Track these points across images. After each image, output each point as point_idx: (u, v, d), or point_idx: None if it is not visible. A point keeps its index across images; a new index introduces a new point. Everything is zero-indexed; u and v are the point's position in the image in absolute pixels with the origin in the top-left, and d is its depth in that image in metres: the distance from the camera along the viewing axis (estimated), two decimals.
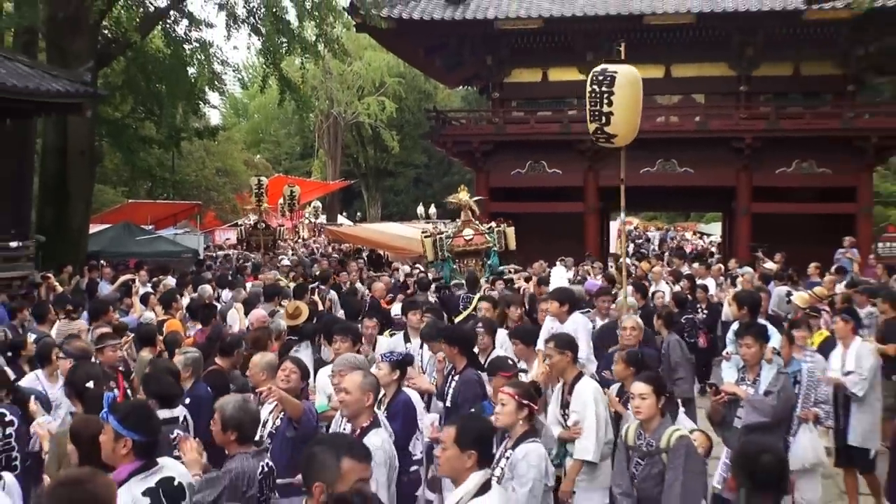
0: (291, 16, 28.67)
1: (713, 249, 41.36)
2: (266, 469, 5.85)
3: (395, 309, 14.70)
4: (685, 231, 59.57)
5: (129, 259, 28.47)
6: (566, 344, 7.15)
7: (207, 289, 18.30)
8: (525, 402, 6.45)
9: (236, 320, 14.49)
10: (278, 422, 7.54)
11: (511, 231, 20.37)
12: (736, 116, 32.49)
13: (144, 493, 5.00)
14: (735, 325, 10.51)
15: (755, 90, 33.24)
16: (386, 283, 19.22)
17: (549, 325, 11.38)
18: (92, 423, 5.82)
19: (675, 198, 39.67)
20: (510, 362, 8.51)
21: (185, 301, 16.81)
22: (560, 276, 18.98)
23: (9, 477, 5.79)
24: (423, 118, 44.10)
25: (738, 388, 7.82)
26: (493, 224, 19.72)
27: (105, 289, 20.56)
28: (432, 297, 16.66)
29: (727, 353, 9.06)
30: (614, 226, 37.55)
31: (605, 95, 9.34)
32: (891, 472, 7.15)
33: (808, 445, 7.79)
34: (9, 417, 7.22)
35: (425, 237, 21.97)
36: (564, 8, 30.76)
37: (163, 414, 6.57)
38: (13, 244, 23.01)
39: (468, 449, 4.52)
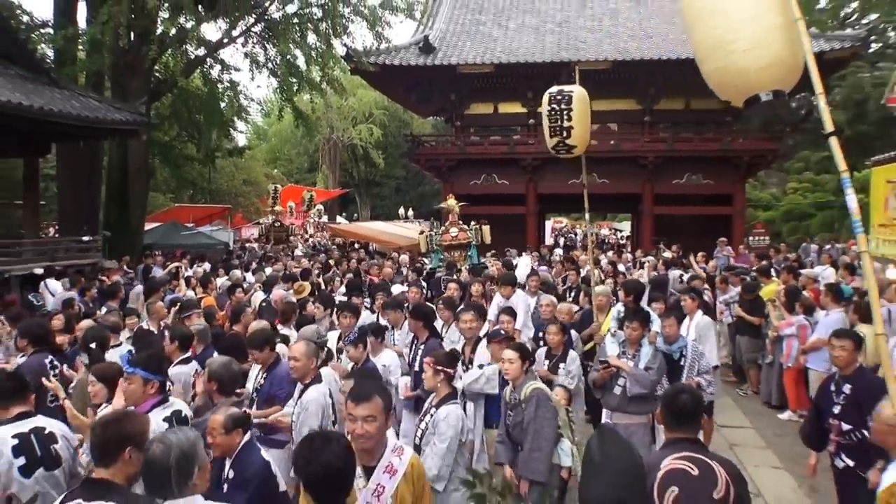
0: (301, 62, 28.69)
1: (624, 242, 41.44)
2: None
3: (395, 289, 14.69)
4: (603, 227, 59.74)
5: (175, 249, 28.70)
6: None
7: (237, 273, 18.41)
8: (440, 368, 6.50)
9: (259, 298, 14.36)
10: (261, 380, 7.53)
11: (486, 229, 20.50)
12: (641, 140, 32.69)
13: (164, 420, 5.45)
14: (621, 308, 10.34)
15: (656, 120, 33.42)
16: (392, 267, 19.39)
17: (498, 301, 11.41)
18: (112, 366, 6.40)
19: (595, 202, 38.56)
20: (502, 332, 8.36)
21: (220, 281, 17.06)
22: (525, 263, 19.23)
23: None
24: (403, 141, 43.95)
25: (621, 362, 7.74)
26: (473, 223, 19.81)
27: (157, 272, 20.67)
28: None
29: (612, 329, 8.86)
30: (549, 224, 38.03)
31: (565, 112, 9.24)
32: (809, 418, 7.01)
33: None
34: (55, 362, 7.60)
35: (420, 234, 22.34)
36: (510, 56, 31.02)
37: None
38: (85, 238, 23.03)
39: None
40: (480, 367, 7.65)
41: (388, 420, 4.26)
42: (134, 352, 8.09)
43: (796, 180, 44.57)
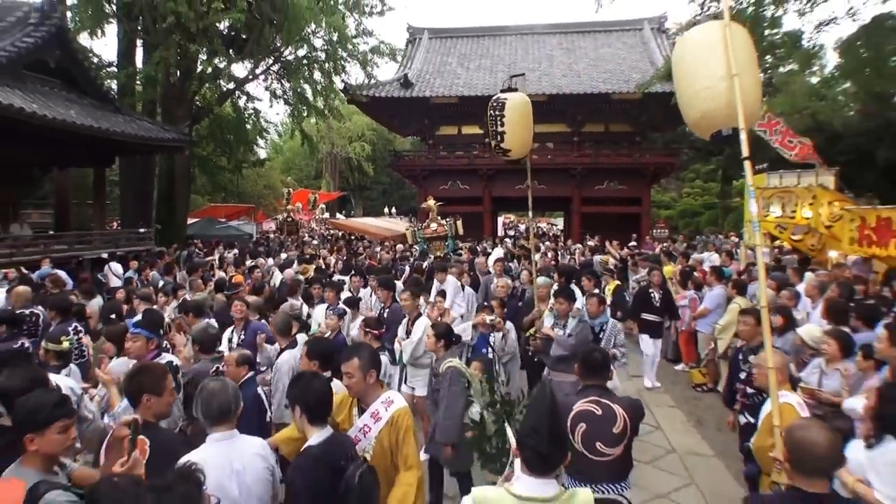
0: (309, 94, 28.72)
1: (559, 234, 41.47)
2: (217, 370, 5.83)
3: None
4: (542, 222, 59.67)
5: (211, 239, 28.79)
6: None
7: (260, 259, 18.49)
8: (367, 329, 7.03)
9: (277, 276, 14.47)
10: (241, 337, 7.64)
11: (460, 223, 20.76)
12: (571, 155, 32.81)
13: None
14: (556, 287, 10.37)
15: (582, 140, 33.51)
16: (387, 254, 19.64)
17: (436, 285, 11.23)
18: (119, 328, 6.60)
19: (536, 203, 38.75)
20: (486, 304, 8.74)
21: (249, 263, 17.13)
22: (497, 253, 19.42)
23: (73, 366, 6.21)
24: (387, 155, 44.01)
25: (552, 332, 7.76)
26: (449, 218, 19.94)
27: (197, 257, 20.87)
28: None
29: (551, 305, 8.84)
30: (500, 220, 38.22)
31: (499, 118, 8.47)
32: (727, 381, 6.88)
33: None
34: (79, 328, 7.63)
35: (407, 229, 23.25)
36: (471, 90, 31.25)
37: None
38: (141, 230, 23.15)
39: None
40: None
41: (367, 375, 4.16)
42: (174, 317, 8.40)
43: (689, 186, 45.16)
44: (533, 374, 8.83)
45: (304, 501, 3.48)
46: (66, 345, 5.97)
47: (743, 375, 6.29)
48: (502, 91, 8.85)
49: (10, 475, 3.12)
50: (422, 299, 9.97)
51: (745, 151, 4.27)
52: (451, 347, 6.46)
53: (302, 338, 7.12)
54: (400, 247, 22.03)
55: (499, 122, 8.53)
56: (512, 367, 8.52)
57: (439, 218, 19.27)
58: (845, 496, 3.43)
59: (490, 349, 7.74)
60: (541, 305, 8.77)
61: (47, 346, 6.01)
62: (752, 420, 5.86)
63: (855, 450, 3.80)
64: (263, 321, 8.32)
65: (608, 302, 10.68)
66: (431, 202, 19.76)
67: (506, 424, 4.13)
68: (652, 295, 11.58)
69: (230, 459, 3.67)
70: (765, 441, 4.41)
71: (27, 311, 8.26)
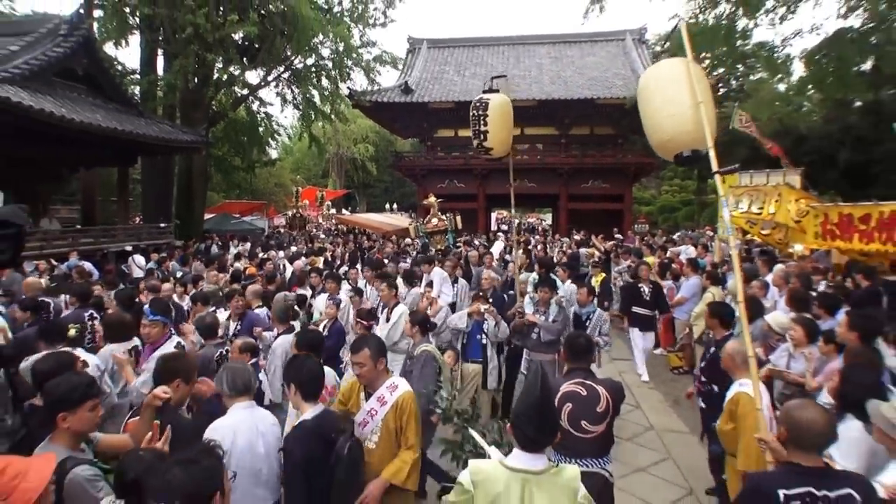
0: (317, 99, 28.80)
1: (548, 228, 41.47)
2: (220, 354, 6.01)
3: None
4: (532, 217, 59.78)
5: (226, 233, 28.60)
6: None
7: (272, 252, 18.52)
8: (358, 319, 6.94)
9: (288, 268, 14.51)
10: (238, 328, 7.61)
11: (459, 218, 20.87)
12: (559, 156, 32.94)
13: (174, 347, 5.64)
14: (536, 276, 10.43)
15: (570, 142, 33.62)
16: (392, 247, 20.13)
17: (424, 275, 11.15)
18: (121, 316, 6.49)
19: (526, 200, 39.68)
20: (479, 294, 8.79)
21: (261, 256, 17.15)
22: (498, 246, 19.42)
23: (81, 350, 5.84)
24: (389, 155, 44.20)
25: (535, 317, 7.84)
26: (449, 214, 19.91)
27: (214, 249, 21.04)
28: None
29: (530, 293, 8.81)
30: (493, 215, 38.25)
31: (482, 118, 8.10)
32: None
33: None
34: (94, 314, 7.57)
35: (410, 224, 22.94)
36: (466, 96, 30.29)
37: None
38: (162, 224, 23.26)
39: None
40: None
41: (377, 363, 4.24)
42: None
43: (668, 184, 45.33)
44: (510, 360, 8.72)
45: (301, 468, 3.65)
46: (72, 332, 5.96)
47: (702, 365, 6.38)
48: (485, 92, 8.54)
49: (40, 452, 3.11)
50: (413, 288, 10.20)
51: (714, 167, 4.40)
52: (427, 333, 6.37)
53: (297, 325, 7.17)
54: (408, 241, 22.10)
55: (481, 122, 8.23)
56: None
57: (440, 214, 19.22)
58: None
59: (483, 335, 7.82)
60: (521, 300, 8.43)
61: None
62: (702, 406, 6.25)
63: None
64: (265, 309, 8.36)
65: (596, 293, 10.61)
66: (433, 199, 19.71)
67: (469, 430, 4.08)
68: (641, 289, 11.28)
69: (255, 423, 3.94)
70: (725, 424, 4.61)
71: (40, 300, 8.28)
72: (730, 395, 4.62)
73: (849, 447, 3.77)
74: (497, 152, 8.44)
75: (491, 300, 8.79)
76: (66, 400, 3.23)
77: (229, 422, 3.86)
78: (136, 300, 8.59)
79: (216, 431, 3.71)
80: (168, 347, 5.58)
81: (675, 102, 4.54)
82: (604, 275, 13.61)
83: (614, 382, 4.75)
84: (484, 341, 7.93)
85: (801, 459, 3.06)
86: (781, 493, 2.97)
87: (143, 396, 4.57)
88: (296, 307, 8.14)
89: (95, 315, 7.56)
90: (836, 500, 2.94)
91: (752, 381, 4.09)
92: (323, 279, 10.29)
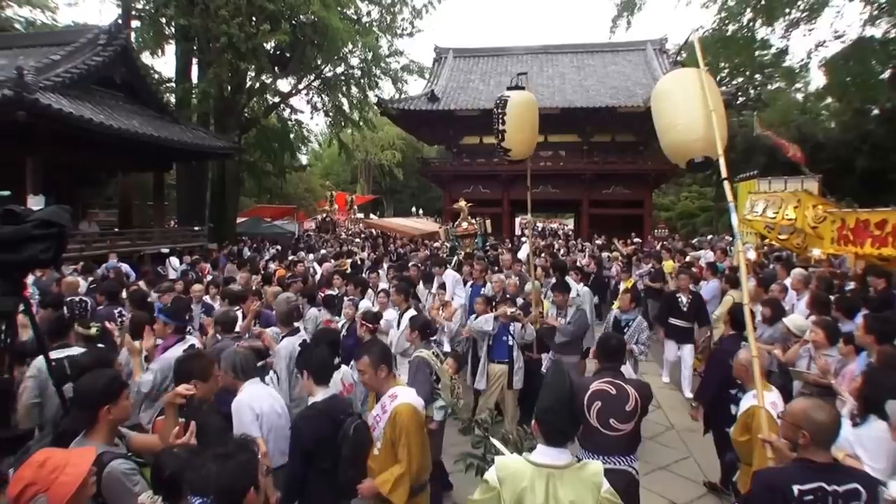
0: (346, 107, 29.04)
1: (569, 233, 41.26)
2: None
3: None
4: (554, 223, 59.52)
5: (258, 236, 28.74)
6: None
7: (302, 253, 18.87)
8: (364, 322, 6.78)
9: (317, 270, 14.49)
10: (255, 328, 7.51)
11: (489, 222, 20.78)
12: (581, 163, 32.65)
13: (183, 350, 5.31)
14: (553, 282, 10.04)
15: (592, 149, 33.28)
16: (424, 253, 19.67)
17: (437, 277, 10.91)
18: (142, 316, 6.49)
19: (549, 205, 40.57)
20: (507, 297, 8.54)
21: (291, 258, 17.08)
22: (525, 249, 19.43)
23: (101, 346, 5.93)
24: (416, 162, 43.45)
25: (554, 321, 7.86)
26: (479, 218, 19.85)
27: (245, 253, 20.99)
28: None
29: (552, 299, 8.70)
30: (517, 220, 38.11)
31: (500, 116, 7.47)
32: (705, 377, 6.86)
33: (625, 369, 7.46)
34: (123, 312, 7.74)
35: (440, 228, 23.52)
36: (491, 104, 30.28)
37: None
38: (196, 228, 23.34)
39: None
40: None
41: (378, 370, 4.21)
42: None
43: (687, 190, 45.10)
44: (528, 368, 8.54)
45: (306, 446, 3.83)
46: (93, 331, 5.97)
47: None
48: (508, 88, 7.89)
49: (77, 446, 3.12)
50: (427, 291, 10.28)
51: (723, 173, 4.49)
52: (427, 339, 6.33)
53: (300, 326, 7.19)
54: (437, 244, 22.10)
55: (500, 121, 7.57)
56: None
57: (470, 218, 19.19)
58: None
59: (510, 337, 7.68)
60: (535, 309, 8.13)
61: (77, 329, 5.95)
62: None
63: (842, 428, 3.69)
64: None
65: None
66: (462, 203, 19.65)
67: (491, 440, 4.05)
68: (679, 299, 10.62)
69: (270, 393, 4.63)
70: (740, 436, 4.55)
71: (77, 299, 8.48)
72: (745, 405, 4.56)
73: (875, 448, 3.83)
74: (517, 154, 7.83)
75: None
76: (108, 392, 3.27)
77: (248, 394, 4.36)
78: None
79: (243, 403, 4.23)
80: (178, 349, 5.58)
81: (688, 110, 4.66)
82: (633, 280, 13.26)
83: (642, 382, 4.77)
84: (510, 342, 7.72)
85: (815, 456, 3.11)
86: (796, 488, 3.01)
87: (142, 395, 5.04)
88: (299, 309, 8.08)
89: (125, 313, 7.65)
90: (843, 493, 3.00)
91: (756, 385, 4.16)
92: (345, 282, 10.24)
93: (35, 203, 13.91)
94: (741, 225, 15.16)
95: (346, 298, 8.94)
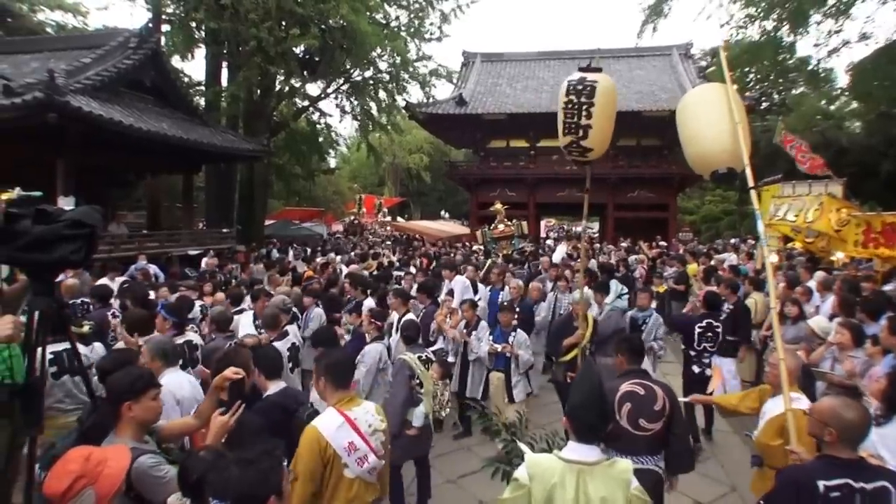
0: (374, 111, 28.89)
1: (595, 235, 41.11)
2: (228, 345, 6.11)
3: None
4: (578, 226, 59.21)
5: (286, 239, 28.90)
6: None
7: (331, 255, 18.87)
8: (372, 319, 6.65)
9: (343, 272, 14.12)
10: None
11: (525, 224, 20.73)
12: (607, 166, 32.19)
13: (179, 344, 5.82)
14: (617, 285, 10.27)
15: (617, 152, 32.87)
16: (461, 254, 19.80)
17: (446, 282, 10.68)
18: (140, 313, 6.69)
19: (574, 209, 38.94)
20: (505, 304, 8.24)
21: (320, 260, 17.08)
22: (561, 249, 19.20)
23: (97, 344, 6.12)
24: (443, 165, 44.12)
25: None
26: (516, 220, 19.62)
27: (274, 254, 21.31)
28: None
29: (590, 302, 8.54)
30: (542, 223, 38.05)
31: (584, 107, 5.68)
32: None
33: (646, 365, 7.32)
34: (116, 312, 8.09)
35: (477, 230, 22.86)
36: (518, 108, 31.20)
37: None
38: (224, 230, 23.33)
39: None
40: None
41: (318, 381, 4.02)
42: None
43: (711, 194, 44.98)
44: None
45: (257, 435, 3.71)
46: (86, 329, 6.01)
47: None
48: (583, 70, 6.00)
49: (107, 444, 3.15)
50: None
51: (750, 182, 4.56)
52: (412, 342, 6.27)
53: (293, 329, 7.15)
54: (476, 247, 22.05)
55: (583, 113, 5.73)
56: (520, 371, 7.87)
57: (506, 220, 18.91)
58: None
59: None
60: (581, 323, 7.18)
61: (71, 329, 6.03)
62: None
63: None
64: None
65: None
66: (499, 206, 19.49)
67: (518, 444, 3.94)
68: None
69: (190, 380, 5.05)
70: (772, 440, 4.32)
71: (78, 301, 8.75)
72: (780, 409, 4.22)
73: None
74: (597, 153, 6.18)
75: (518, 309, 8.42)
76: (130, 390, 3.29)
77: (168, 380, 4.61)
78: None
79: (164, 390, 3.99)
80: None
81: (713, 123, 4.69)
82: (664, 287, 13.27)
83: (665, 384, 4.72)
84: (508, 354, 7.57)
85: (840, 453, 3.10)
86: (821, 484, 3.01)
87: None
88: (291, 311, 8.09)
89: (118, 314, 7.94)
90: (872, 492, 2.98)
91: (784, 386, 4.08)
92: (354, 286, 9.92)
93: (65, 204, 13.80)
94: (766, 229, 15.18)
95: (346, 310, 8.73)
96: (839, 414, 3.11)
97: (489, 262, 15.03)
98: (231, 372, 3.64)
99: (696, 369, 7.91)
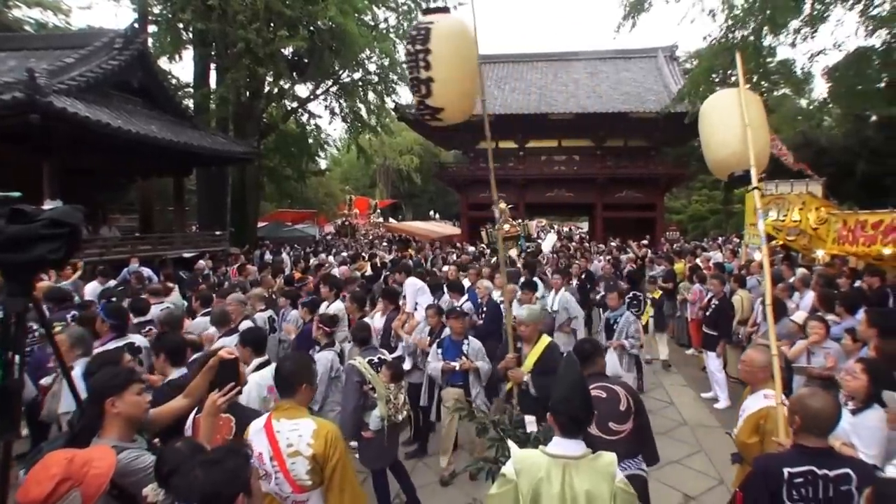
0: (363, 113, 28.84)
1: (584, 235, 41.18)
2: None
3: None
4: (568, 225, 59.42)
5: (279, 241, 29.16)
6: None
7: (322, 255, 19.45)
8: (320, 325, 6.44)
9: (336, 271, 14.19)
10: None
11: (532, 224, 20.63)
12: (595, 167, 32.75)
13: (115, 348, 5.60)
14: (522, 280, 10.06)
15: (605, 154, 33.38)
16: (467, 256, 19.26)
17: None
18: (90, 314, 6.98)
19: (564, 209, 41.97)
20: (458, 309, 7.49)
21: (313, 262, 17.21)
22: (551, 239, 18.91)
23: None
24: (433, 166, 44.17)
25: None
26: (521, 220, 19.54)
27: (266, 256, 21.45)
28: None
29: (519, 297, 8.20)
30: (532, 223, 37.95)
31: (421, 56, 4.35)
32: None
33: (612, 361, 7.29)
34: (76, 314, 7.67)
35: (481, 230, 22.88)
36: (506, 110, 31.07)
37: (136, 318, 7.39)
38: (217, 232, 23.25)
39: None
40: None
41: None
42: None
43: (697, 194, 45.33)
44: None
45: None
46: (37, 334, 6.17)
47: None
48: (426, 12, 4.96)
49: (93, 446, 3.06)
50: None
51: (754, 182, 4.57)
52: (362, 346, 5.99)
53: (248, 324, 6.98)
54: (482, 247, 22.16)
55: (421, 64, 4.42)
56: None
57: (511, 220, 18.64)
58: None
59: (463, 357, 6.58)
60: (525, 347, 5.57)
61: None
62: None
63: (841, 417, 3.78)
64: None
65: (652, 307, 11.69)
66: (503, 205, 19.21)
67: (507, 442, 3.74)
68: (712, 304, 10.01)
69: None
70: (749, 437, 4.35)
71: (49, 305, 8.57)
72: (756, 406, 4.36)
73: (869, 436, 3.97)
74: (451, 115, 4.78)
75: (485, 309, 8.42)
76: (111, 385, 3.21)
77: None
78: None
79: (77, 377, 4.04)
80: (110, 345, 5.85)
81: (727, 127, 4.68)
82: (660, 292, 12.96)
83: (625, 383, 4.67)
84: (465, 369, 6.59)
85: (807, 442, 3.20)
86: (786, 471, 3.13)
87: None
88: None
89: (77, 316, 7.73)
90: (834, 478, 3.07)
91: (775, 383, 4.13)
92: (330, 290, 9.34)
93: (51, 207, 13.32)
94: (750, 227, 15.75)
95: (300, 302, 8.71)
96: (803, 402, 3.25)
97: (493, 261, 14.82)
98: (225, 352, 3.60)
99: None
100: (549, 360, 5.17)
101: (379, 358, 5.83)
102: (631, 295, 11.59)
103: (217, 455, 2.41)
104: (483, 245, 21.94)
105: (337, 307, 8.14)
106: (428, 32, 4.39)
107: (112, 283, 11.84)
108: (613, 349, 7.80)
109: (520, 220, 19.35)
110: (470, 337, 6.83)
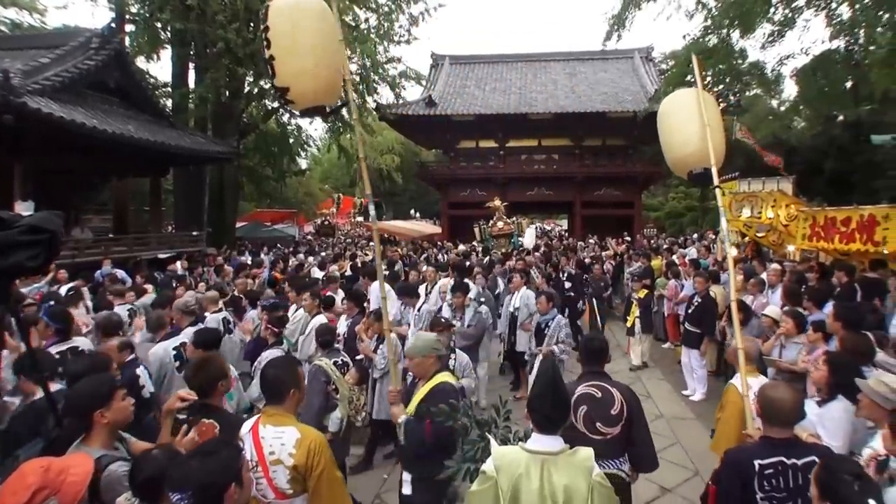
0: (345, 112, 27.86)
1: (564, 232, 41.23)
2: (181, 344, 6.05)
3: None
4: (548, 223, 59.50)
5: (258, 241, 29.27)
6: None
7: (301, 256, 19.16)
8: (268, 325, 6.42)
9: (317, 273, 14.23)
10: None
11: (524, 222, 21.00)
12: (574, 165, 33.03)
13: (57, 353, 5.46)
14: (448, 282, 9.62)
15: (583, 152, 33.65)
16: (456, 255, 18.66)
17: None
18: (32, 317, 6.59)
19: (543, 207, 41.89)
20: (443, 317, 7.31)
21: (293, 262, 17.24)
22: (531, 233, 18.79)
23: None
24: (414, 166, 44.31)
25: (455, 325, 7.40)
26: (515, 218, 19.40)
27: (245, 256, 20.86)
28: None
29: (450, 301, 8.17)
30: (524, 222, 38.26)
31: (264, 34, 3.98)
32: None
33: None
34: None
35: (475, 227, 22.52)
36: (487, 110, 31.34)
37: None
38: (195, 232, 22.88)
39: None
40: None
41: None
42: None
43: (674, 191, 45.86)
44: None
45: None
46: None
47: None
48: None
49: (73, 453, 3.00)
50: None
51: (715, 181, 4.75)
52: (326, 348, 5.83)
53: (190, 330, 6.54)
54: (474, 244, 22.01)
55: (265, 43, 4.04)
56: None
57: (505, 217, 18.37)
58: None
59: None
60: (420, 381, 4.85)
61: None
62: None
63: (808, 409, 4.02)
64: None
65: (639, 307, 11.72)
66: (498, 202, 19.09)
67: (490, 443, 3.36)
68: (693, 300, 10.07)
69: None
70: (718, 412, 4.76)
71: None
72: (727, 386, 4.75)
73: (834, 427, 4.08)
74: (299, 98, 4.15)
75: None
76: (98, 395, 3.14)
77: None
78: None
79: None
80: (53, 349, 5.61)
81: (686, 126, 4.82)
82: (645, 291, 12.44)
83: (625, 387, 4.48)
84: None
85: (773, 433, 3.28)
86: (757, 463, 3.20)
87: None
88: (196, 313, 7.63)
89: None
90: (802, 466, 3.15)
91: (740, 373, 4.25)
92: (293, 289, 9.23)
93: (23, 209, 13.23)
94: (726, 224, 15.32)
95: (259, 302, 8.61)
96: (764, 393, 3.37)
97: (486, 259, 14.61)
98: (185, 393, 3.55)
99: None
100: (433, 404, 3.74)
101: (342, 360, 5.73)
102: (572, 294, 11.97)
103: (211, 446, 2.47)
104: (476, 242, 21.87)
105: (301, 313, 7.89)
106: (268, 10, 4.04)
107: (65, 287, 11.00)
108: (543, 355, 7.63)
109: (514, 219, 19.16)
110: (458, 350, 6.37)
